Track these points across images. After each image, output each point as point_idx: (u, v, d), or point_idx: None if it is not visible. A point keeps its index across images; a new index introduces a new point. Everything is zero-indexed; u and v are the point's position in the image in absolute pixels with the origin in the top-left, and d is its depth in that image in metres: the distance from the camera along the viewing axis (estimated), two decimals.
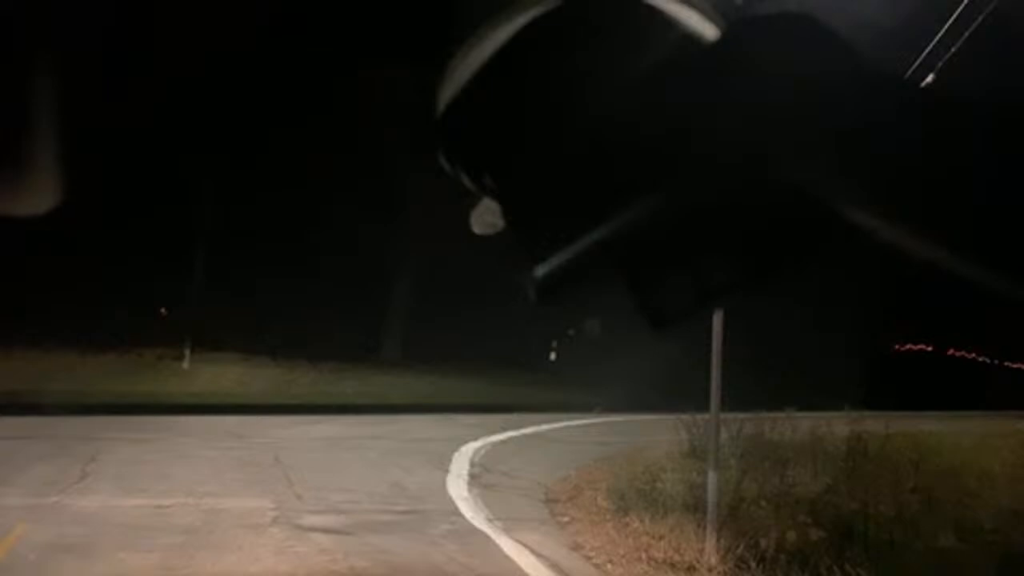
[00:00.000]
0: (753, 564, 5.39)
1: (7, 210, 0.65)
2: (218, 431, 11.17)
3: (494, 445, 11.32)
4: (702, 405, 6.75)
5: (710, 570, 5.44)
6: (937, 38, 7.64)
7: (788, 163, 0.41)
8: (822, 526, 5.74)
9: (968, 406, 21.07)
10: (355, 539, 5.83)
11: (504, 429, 12.93)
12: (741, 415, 8.59)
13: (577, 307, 18.15)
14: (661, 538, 5.98)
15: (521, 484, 8.45)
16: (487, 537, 6.14)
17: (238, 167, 20.35)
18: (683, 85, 0.44)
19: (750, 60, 0.43)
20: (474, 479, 8.58)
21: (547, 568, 5.45)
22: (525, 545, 5.92)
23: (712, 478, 5.92)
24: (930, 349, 32.61)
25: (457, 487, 8.06)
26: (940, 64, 7.65)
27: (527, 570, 5.40)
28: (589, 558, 5.73)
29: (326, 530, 6.02)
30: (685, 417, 9.18)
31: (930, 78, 7.52)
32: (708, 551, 5.61)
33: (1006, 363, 30.34)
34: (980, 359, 33.14)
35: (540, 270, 0.46)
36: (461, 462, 9.62)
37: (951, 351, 33.50)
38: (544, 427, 14.04)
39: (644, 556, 5.67)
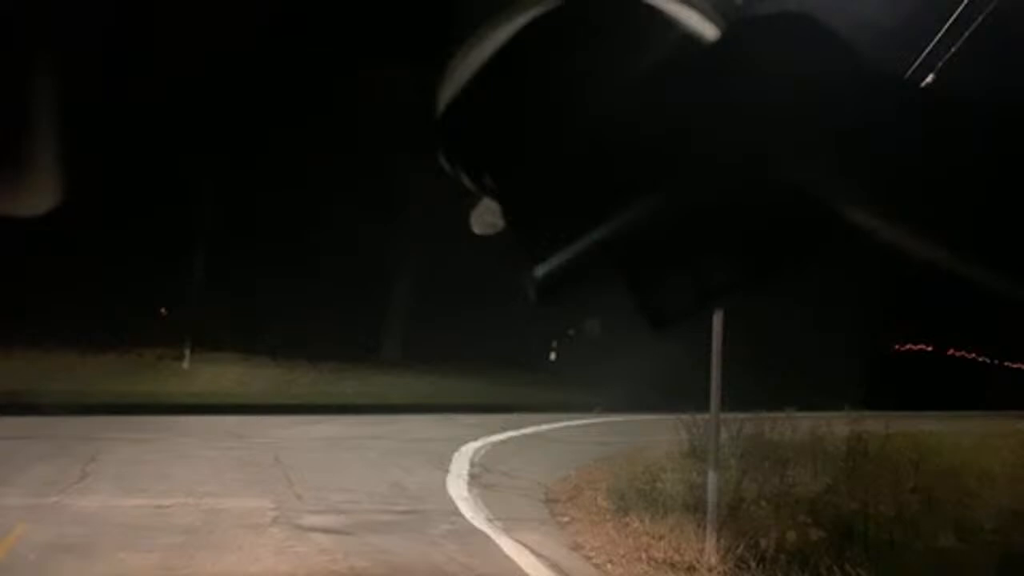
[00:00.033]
0: (753, 564, 5.39)
1: (7, 210, 0.65)
2: (218, 431, 11.17)
3: (494, 445, 11.32)
4: (702, 405, 6.75)
5: (710, 570, 5.44)
6: (937, 38, 7.64)
7: (788, 163, 0.41)
8: (822, 526, 5.74)
9: (968, 406, 21.07)
10: (355, 539, 5.83)
11: (504, 429, 12.93)
12: (741, 415, 8.58)
13: (577, 307, 18.15)
14: (661, 538, 5.98)
15: (521, 484, 8.45)
16: (487, 537, 6.14)
17: (238, 167, 20.35)
18: (683, 85, 0.44)
19: (750, 60, 0.43)
20: (474, 479, 8.58)
21: (547, 568, 5.45)
22: (525, 545, 5.92)
23: (712, 478, 5.92)
24: (930, 349, 32.61)
25: (457, 487, 8.07)
26: (940, 64, 7.65)
27: (527, 570, 5.40)
28: (589, 558, 5.73)
29: (326, 530, 6.02)
30: (685, 417, 9.18)
31: (930, 78, 7.52)
32: (708, 551, 5.61)
33: (1006, 363, 30.34)
34: (980, 359, 33.15)
35: (540, 270, 0.46)
36: (461, 462, 9.62)
37: (951, 351, 33.51)
38: (544, 427, 14.04)
39: (644, 556, 5.67)
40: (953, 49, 7.60)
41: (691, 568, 5.50)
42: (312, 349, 19.87)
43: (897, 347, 31.12)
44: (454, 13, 0.49)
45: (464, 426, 13.16)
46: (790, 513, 6.12)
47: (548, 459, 10.11)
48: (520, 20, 0.47)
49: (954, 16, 7.47)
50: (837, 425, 9.05)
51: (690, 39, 0.46)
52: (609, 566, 5.56)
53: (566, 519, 6.89)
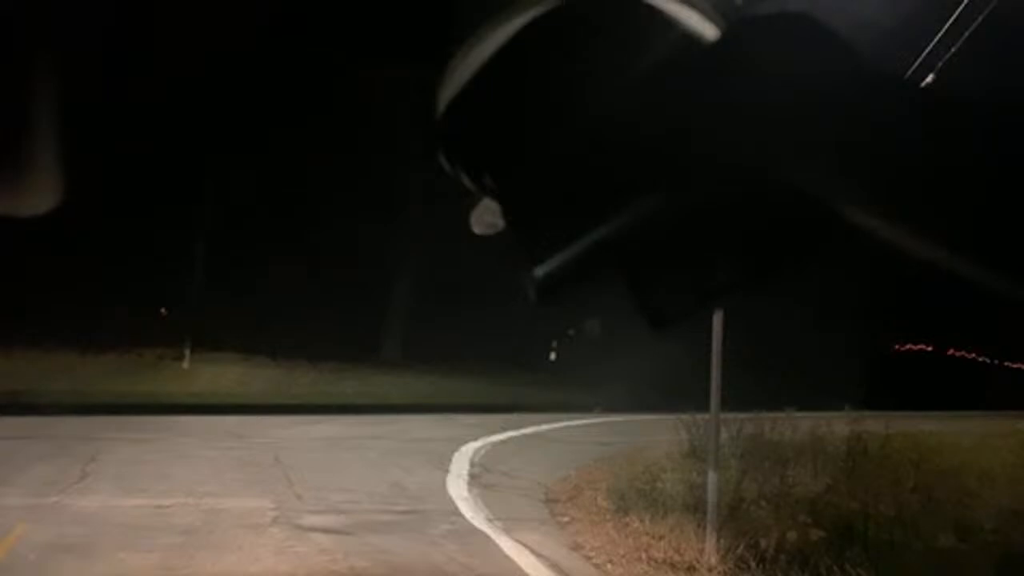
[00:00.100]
0: (753, 564, 5.39)
1: (7, 210, 0.65)
2: (218, 431, 11.17)
3: (494, 445, 11.32)
4: (702, 405, 6.75)
5: (710, 570, 5.44)
6: (937, 38, 7.64)
7: (788, 163, 0.41)
8: (822, 526, 5.74)
9: (968, 406, 21.07)
10: (355, 539, 5.83)
11: (504, 429, 12.93)
12: (741, 415, 8.58)
13: (577, 307, 18.15)
14: (661, 538, 5.98)
15: (521, 484, 8.45)
16: (487, 537, 6.14)
17: (238, 167, 20.36)
18: (683, 85, 0.44)
19: (750, 60, 0.43)
20: (474, 479, 8.58)
21: (547, 568, 5.45)
22: (525, 545, 5.92)
23: (712, 478, 5.92)
24: (930, 349, 32.60)
25: (457, 487, 8.07)
26: (940, 64, 7.65)
27: (527, 570, 5.40)
28: (589, 558, 5.73)
29: (326, 530, 6.02)
30: (685, 417, 9.18)
31: (930, 78, 7.52)
32: (708, 551, 5.61)
33: (1006, 363, 30.35)
34: (980, 359, 33.15)
35: (540, 270, 0.46)
36: (461, 462, 9.62)
37: (951, 351, 33.50)
38: (544, 427, 14.04)
39: (644, 556, 5.67)
40: (953, 49, 7.60)
41: (691, 568, 5.50)
42: (312, 349, 19.87)
43: (897, 347, 31.11)
44: (454, 13, 0.49)
45: (464, 426, 13.16)
46: (790, 513, 6.11)
47: (548, 459, 10.11)
48: (520, 20, 0.47)
49: (954, 16, 7.48)
50: (837, 425, 9.05)
51: (690, 39, 0.46)
52: (609, 566, 5.56)
53: (566, 519, 6.89)
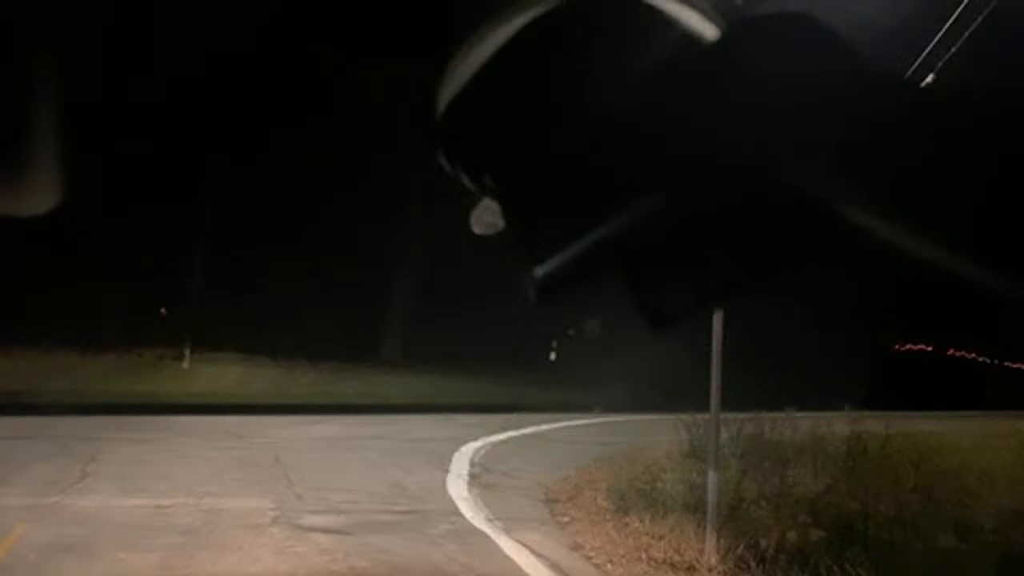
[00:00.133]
0: (753, 564, 5.39)
1: (7, 210, 0.65)
2: (218, 431, 11.17)
3: (494, 445, 11.32)
4: (702, 405, 6.75)
5: (710, 570, 5.44)
6: (937, 38, 7.64)
7: (788, 163, 0.41)
8: (822, 526, 5.74)
9: (968, 406, 21.08)
10: (355, 539, 5.83)
11: (504, 429, 12.93)
12: (741, 415, 8.58)
13: (577, 307, 18.16)
14: (661, 538, 5.98)
15: (521, 484, 8.45)
16: (487, 537, 6.14)
17: (238, 167, 20.36)
18: (683, 85, 0.44)
19: (750, 60, 0.43)
20: (474, 479, 8.58)
21: (547, 568, 5.45)
22: (525, 545, 5.92)
23: (712, 478, 5.92)
24: (930, 349, 32.62)
25: (457, 487, 8.07)
26: (940, 64, 7.65)
27: (527, 570, 5.40)
28: (589, 558, 5.73)
29: (326, 530, 6.02)
30: (685, 417, 9.18)
31: (930, 78, 7.52)
32: (708, 551, 5.61)
33: (1006, 363, 30.37)
34: (980, 359, 33.16)
35: (540, 270, 0.46)
36: (461, 462, 9.62)
37: (951, 351, 33.52)
38: (544, 427, 14.04)
39: (644, 556, 5.67)
40: (953, 49, 7.60)
41: (691, 568, 5.50)
42: (312, 349, 19.87)
43: (897, 347, 31.13)
44: (454, 13, 0.49)
45: (464, 426, 13.16)
46: (790, 513, 6.12)
47: (548, 459, 10.11)
48: (520, 20, 0.47)
49: (954, 16, 7.48)
50: (837, 425, 9.06)
51: (690, 39, 0.46)
52: (609, 566, 5.56)
53: (566, 519, 6.89)
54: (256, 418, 13.04)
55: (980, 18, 7.38)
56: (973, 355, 33.53)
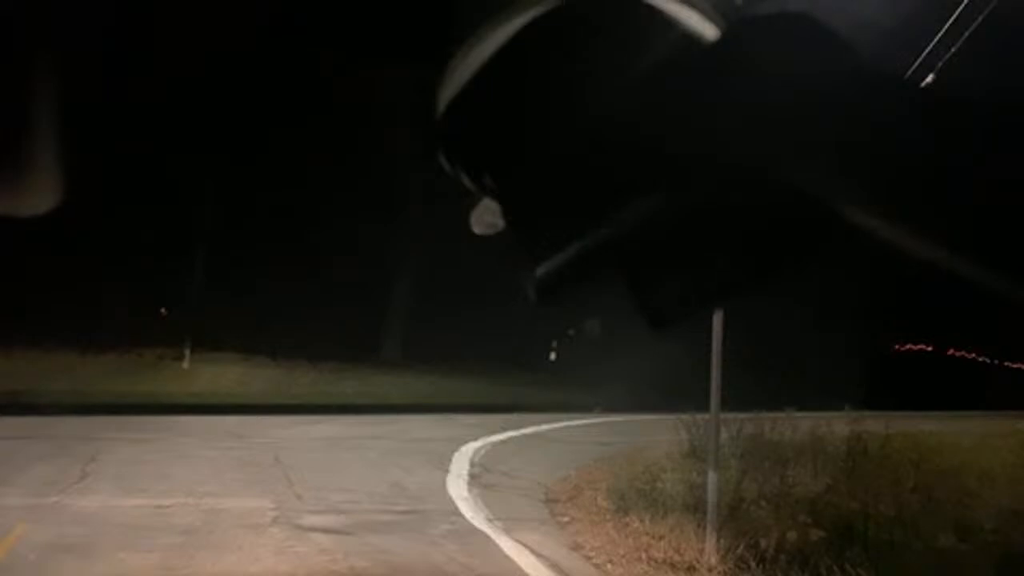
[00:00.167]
0: (753, 564, 5.39)
1: (7, 210, 0.65)
2: (218, 431, 11.17)
3: (494, 445, 11.32)
4: (702, 405, 6.75)
5: (710, 570, 5.44)
6: (937, 38, 7.64)
7: (788, 163, 0.41)
8: (822, 526, 5.74)
9: (968, 406, 21.09)
10: (355, 539, 5.84)
11: (504, 429, 12.93)
12: (741, 415, 8.59)
13: (577, 307, 18.17)
14: (661, 538, 5.98)
15: (521, 484, 8.45)
16: (487, 537, 6.14)
17: (238, 167, 20.37)
18: (683, 85, 0.44)
19: (750, 60, 0.43)
20: (474, 479, 8.58)
21: (547, 568, 5.45)
22: (525, 545, 5.92)
23: (712, 478, 5.92)
24: (930, 349, 32.64)
25: (457, 487, 8.07)
26: (940, 64, 7.65)
27: (527, 570, 5.40)
28: (589, 558, 5.73)
29: (326, 530, 6.02)
30: (685, 417, 9.18)
31: (930, 78, 7.52)
32: (708, 551, 5.61)
33: (1006, 363, 30.37)
34: (980, 359, 33.17)
35: (540, 270, 0.46)
36: (461, 462, 9.62)
37: (951, 351, 33.53)
38: (544, 427, 14.05)
39: (644, 556, 5.67)
40: (953, 49, 7.60)
41: (691, 568, 5.50)
42: (312, 349, 19.88)
43: (897, 347, 31.15)
44: (454, 13, 0.49)
45: (464, 426, 13.16)
46: (790, 513, 6.12)
47: (548, 459, 10.11)
48: (520, 20, 0.47)
49: (954, 16, 7.48)
50: (837, 425, 9.06)
51: (690, 39, 0.46)
52: (609, 566, 5.56)
53: (566, 519, 6.89)
54: (256, 418, 13.04)
55: (980, 18, 7.38)
56: (973, 355, 33.55)
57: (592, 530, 6.43)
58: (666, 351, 11.53)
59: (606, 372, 18.54)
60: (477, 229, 0.56)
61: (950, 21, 7.52)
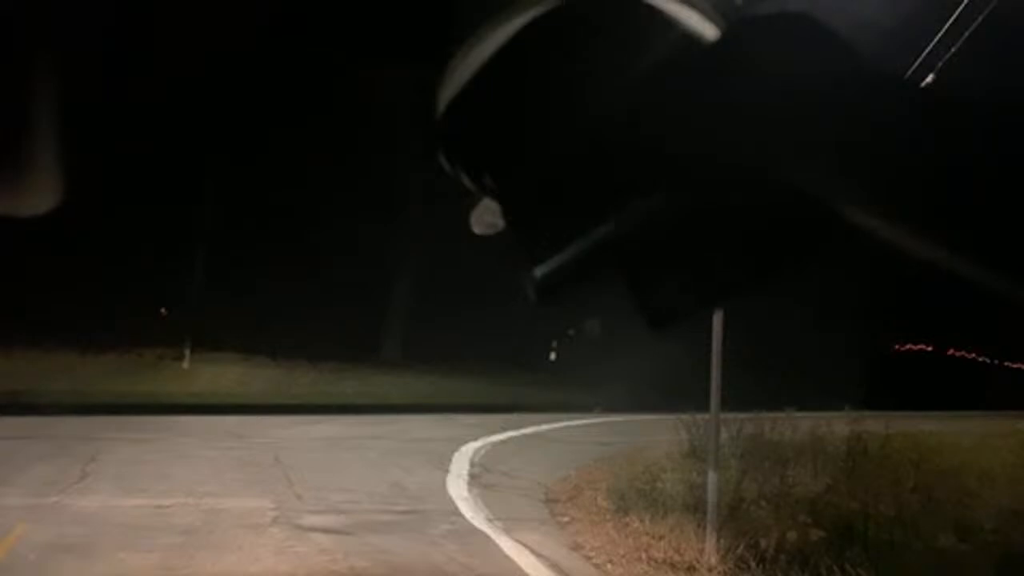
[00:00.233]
0: (753, 564, 5.39)
1: (7, 210, 0.65)
2: (218, 431, 11.17)
3: (494, 445, 11.32)
4: (702, 405, 6.75)
5: (710, 570, 5.44)
6: (937, 38, 7.64)
7: (788, 163, 0.41)
8: (822, 526, 5.74)
9: (968, 406, 21.09)
10: (355, 539, 5.84)
11: (504, 429, 12.93)
12: (741, 415, 8.59)
13: (577, 307, 18.17)
14: (661, 538, 5.98)
15: (521, 484, 8.45)
16: (487, 537, 6.14)
17: (238, 167, 20.37)
18: (683, 85, 0.44)
19: (750, 60, 0.43)
20: (474, 479, 8.58)
21: (547, 568, 5.45)
22: (525, 545, 5.92)
23: (712, 478, 5.92)
24: (930, 349, 32.65)
25: (457, 487, 8.07)
26: (940, 64, 7.65)
27: (527, 570, 5.40)
28: (589, 558, 5.73)
29: (326, 530, 6.02)
30: (685, 417, 9.18)
31: (930, 78, 7.52)
32: (708, 551, 5.61)
33: (1006, 363, 30.39)
34: (980, 359, 33.19)
35: (540, 270, 0.46)
36: (461, 462, 9.62)
37: (951, 351, 33.54)
38: (544, 427, 14.05)
39: (644, 556, 5.67)
40: (953, 49, 7.60)
41: (691, 568, 5.50)
42: (312, 349, 19.88)
43: (897, 347, 31.16)
44: (454, 13, 0.49)
45: (464, 426, 13.16)
46: (790, 513, 6.12)
47: (548, 459, 10.12)
48: (520, 20, 0.47)
49: (954, 16, 7.48)
50: (837, 425, 9.06)
51: (690, 39, 0.46)
52: (609, 566, 5.56)
53: (566, 519, 6.89)
54: (256, 418, 13.04)
55: (980, 18, 7.38)
56: (973, 355, 33.56)
57: (592, 530, 6.43)
58: (666, 351, 11.53)
59: (606, 372, 18.55)
60: (477, 229, 0.56)
61: (950, 21, 7.53)
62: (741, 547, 5.52)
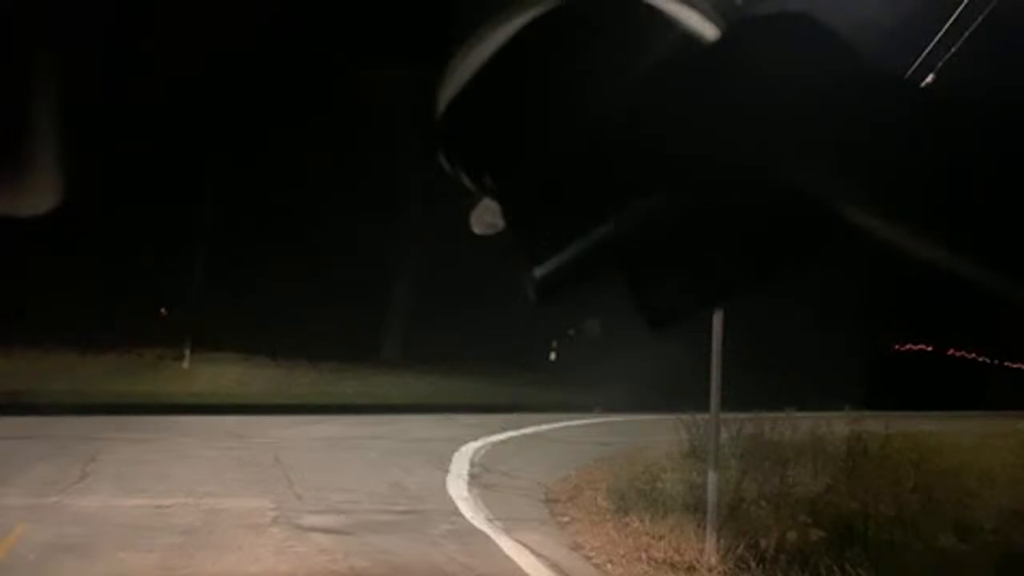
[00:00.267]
0: (753, 564, 5.39)
1: (7, 210, 0.65)
2: (218, 431, 11.17)
3: (494, 445, 11.32)
4: (702, 405, 6.75)
5: (710, 570, 5.44)
6: (937, 38, 7.64)
7: (788, 163, 0.41)
8: (822, 526, 5.74)
9: (968, 406, 21.09)
10: (355, 539, 5.84)
11: (504, 429, 12.93)
12: (741, 415, 8.59)
13: (577, 307, 18.17)
14: (661, 538, 5.98)
15: (521, 484, 8.45)
16: (487, 537, 6.14)
17: (238, 167, 20.37)
18: (683, 85, 0.44)
19: (750, 60, 0.43)
20: (474, 479, 8.58)
21: (547, 568, 5.45)
22: (525, 545, 5.92)
23: (712, 478, 5.92)
24: (930, 349, 32.65)
25: (457, 487, 8.07)
26: (940, 64, 7.65)
27: (527, 570, 5.40)
28: (589, 558, 5.73)
29: (326, 530, 6.02)
30: (685, 417, 9.18)
31: (930, 78, 7.52)
32: (708, 551, 5.61)
33: (1006, 363, 30.39)
34: (980, 359, 33.19)
35: (540, 270, 0.46)
36: (461, 462, 9.62)
37: (951, 351, 33.55)
38: (544, 427, 14.05)
39: (644, 556, 5.67)
40: (953, 49, 7.60)
41: (691, 568, 5.50)
42: (312, 349, 19.88)
43: (897, 347, 31.16)
44: (454, 13, 0.49)
45: (464, 426, 13.16)
46: (790, 513, 6.12)
47: (548, 459, 10.12)
48: (520, 20, 0.47)
49: (954, 16, 7.48)
50: (837, 425, 9.06)
51: (690, 39, 0.46)
52: (609, 566, 5.56)
53: (566, 519, 6.89)
54: (256, 418, 13.04)
55: (980, 18, 7.38)
56: (973, 355, 33.57)
57: (592, 530, 6.43)
58: (666, 351, 11.53)
59: (606, 372, 18.55)
60: (477, 229, 0.56)
61: (950, 21, 7.53)
62: (741, 547, 5.52)
